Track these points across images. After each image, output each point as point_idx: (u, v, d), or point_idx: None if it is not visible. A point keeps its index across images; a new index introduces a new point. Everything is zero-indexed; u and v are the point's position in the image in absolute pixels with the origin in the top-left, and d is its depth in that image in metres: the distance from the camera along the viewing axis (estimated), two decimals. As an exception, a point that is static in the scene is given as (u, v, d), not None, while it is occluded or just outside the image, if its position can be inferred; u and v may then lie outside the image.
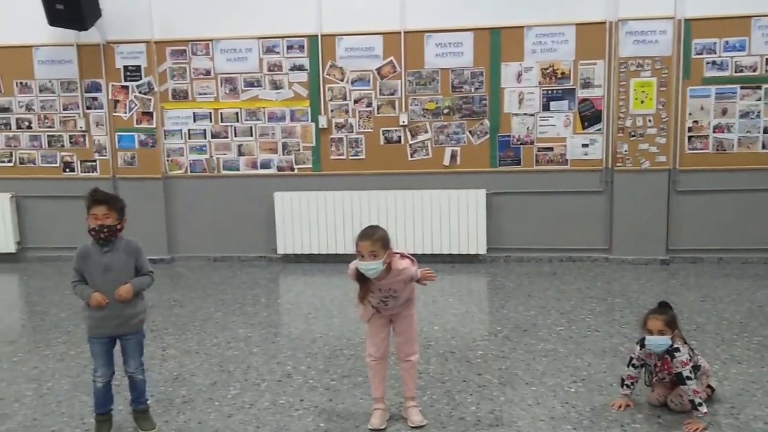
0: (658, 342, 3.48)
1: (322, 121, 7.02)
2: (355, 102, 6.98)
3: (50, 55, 7.25)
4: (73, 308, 5.79)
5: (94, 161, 7.36)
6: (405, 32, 6.78)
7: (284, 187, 7.16)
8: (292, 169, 7.18)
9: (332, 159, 7.11)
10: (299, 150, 7.15)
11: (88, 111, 7.29)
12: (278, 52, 7.00)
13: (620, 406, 3.61)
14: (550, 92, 6.72)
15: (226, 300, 5.94)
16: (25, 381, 4.22)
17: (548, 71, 6.68)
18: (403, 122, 6.91)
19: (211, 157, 7.26)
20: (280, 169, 7.20)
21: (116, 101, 7.20)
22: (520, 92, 6.75)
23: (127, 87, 7.15)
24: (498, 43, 6.69)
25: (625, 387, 3.66)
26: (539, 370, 4.17)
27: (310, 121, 7.08)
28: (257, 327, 5.21)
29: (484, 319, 5.25)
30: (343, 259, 7.03)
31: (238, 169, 7.26)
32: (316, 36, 6.91)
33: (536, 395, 3.82)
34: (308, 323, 5.26)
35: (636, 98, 6.56)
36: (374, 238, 3.20)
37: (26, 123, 7.40)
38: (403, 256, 3.36)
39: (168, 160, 7.31)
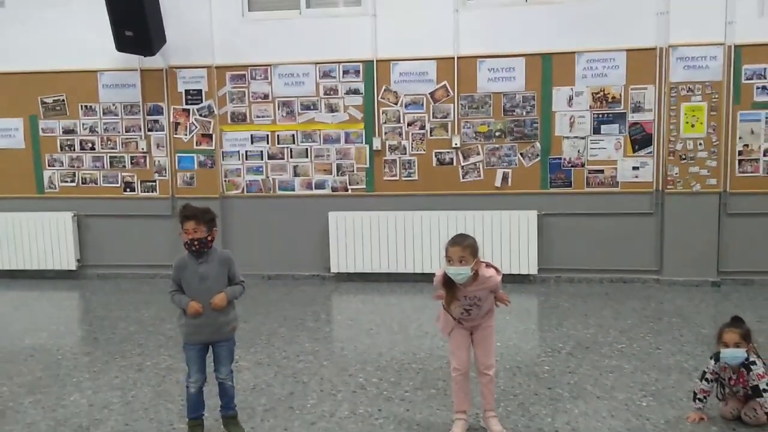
0: (734, 355, 3.56)
1: (376, 143, 7.23)
2: (409, 125, 7.18)
3: (114, 80, 7.57)
4: (141, 323, 5.99)
5: (154, 181, 7.62)
6: (458, 57, 6.99)
7: (338, 207, 7.35)
8: (346, 190, 7.38)
9: (385, 180, 7.29)
10: (353, 171, 7.35)
11: (149, 133, 7.58)
12: (334, 77, 7.25)
13: (695, 420, 3.69)
14: (600, 116, 6.86)
15: (288, 316, 6.10)
16: (109, 389, 4.40)
17: (599, 95, 6.83)
18: (456, 144, 7.09)
19: (267, 177, 7.49)
20: (334, 189, 7.40)
21: (177, 123, 7.48)
22: (571, 116, 6.90)
23: (188, 110, 7.43)
24: (550, 68, 6.86)
25: (697, 401, 3.74)
26: (608, 385, 4.26)
27: (364, 143, 7.29)
28: (322, 341, 5.36)
29: (544, 337, 5.33)
30: (395, 278, 7.26)
31: (293, 190, 7.47)
32: (372, 61, 7.15)
33: (609, 408, 3.91)
34: (372, 338, 5.39)
35: (687, 122, 6.67)
36: (464, 244, 3.35)
37: (89, 144, 7.70)
38: (488, 265, 3.49)
39: (225, 181, 7.55)
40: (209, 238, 3.54)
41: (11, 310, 6.59)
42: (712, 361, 3.71)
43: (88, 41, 7.42)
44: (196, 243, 3.49)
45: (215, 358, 3.64)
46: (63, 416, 3.98)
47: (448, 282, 3.45)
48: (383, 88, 7.18)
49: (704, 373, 3.74)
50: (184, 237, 3.51)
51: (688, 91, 6.65)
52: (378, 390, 4.28)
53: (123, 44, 6.92)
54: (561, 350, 4.95)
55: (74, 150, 7.73)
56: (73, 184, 7.77)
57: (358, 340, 5.35)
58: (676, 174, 6.75)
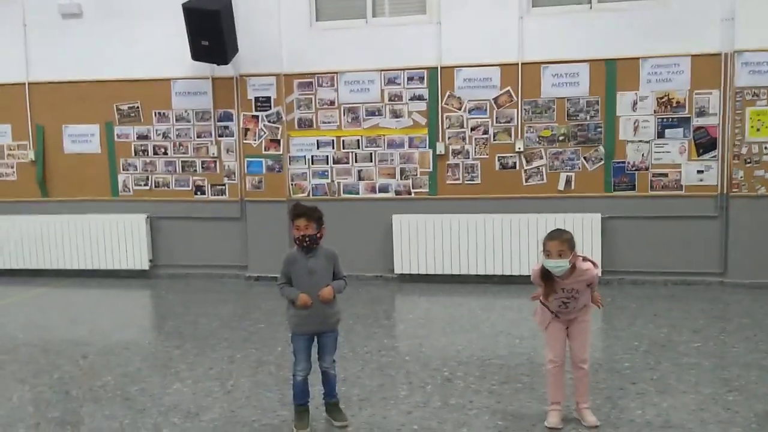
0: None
1: (440, 148, 7.41)
2: (472, 129, 7.35)
3: (187, 88, 7.89)
4: (221, 319, 6.25)
5: (224, 185, 7.91)
6: (522, 63, 7.15)
7: (401, 210, 7.54)
8: (409, 193, 7.58)
9: (448, 183, 7.47)
10: (416, 175, 7.54)
11: (219, 139, 7.88)
12: (399, 83, 7.46)
13: (784, 414, 3.79)
14: (665, 120, 6.96)
15: (360, 314, 6.29)
16: (207, 379, 4.64)
17: (663, 100, 6.93)
18: (519, 149, 7.24)
19: (333, 181, 7.72)
20: (397, 192, 7.60)
21: (246, 129, 7.76)
22: (636, 120, 7.01)
23: (257, 116, 7.71)
24: (614, 74, 6.98)
25: (785, 396, 3.84)
26: (691, 381, 4.37)
27: (427, 147, 7.48)
28: (400, 338, 5.56)
29: (618, 335, 5.44)
30: (458, 279, 7.41)
31: (357, 193, 7.69)
32: (436, 68, 7.34)
33: (697, 402, 4.02)
34: (447, 336, 5.55)
35: (752, 126, 6.74)
36: (563, 238, 3.51)
37: (162, 149, 8.02)
38: (585, 258, 3.64)
39: (292, 185, 7.79)
40: (318, 235, 3.76)
41: (95, 308, 6.91)
42: (800, 357, 3.81)
43: (162, 50, 7.77)
44: (307, 239, 3.71)
45: (320, 348, 3.84)
46: (171, 403, 4.23)
47: (546, 275, 3.61)
48: (447, 93, 7.36)
49: (792, 368, 3.84)
50: (295, 233, 3.72)
51: (753, 96, 6.71)
52: (465, 383, 4.44)
53: (198, 53, 7.21)
54: (638, 348, 5.06)
55: (148, 155, 8.06)
56: (147, 188, 8.09)
57: (434, 338, 5.52)
58: (741, 177, 6.81)
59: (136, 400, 4.29)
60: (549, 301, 3.68)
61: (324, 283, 3.75)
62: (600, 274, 3.72)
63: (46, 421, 4.01)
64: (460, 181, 7.44)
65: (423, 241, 7.45)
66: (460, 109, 7.37)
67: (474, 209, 7.37)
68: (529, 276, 3.85)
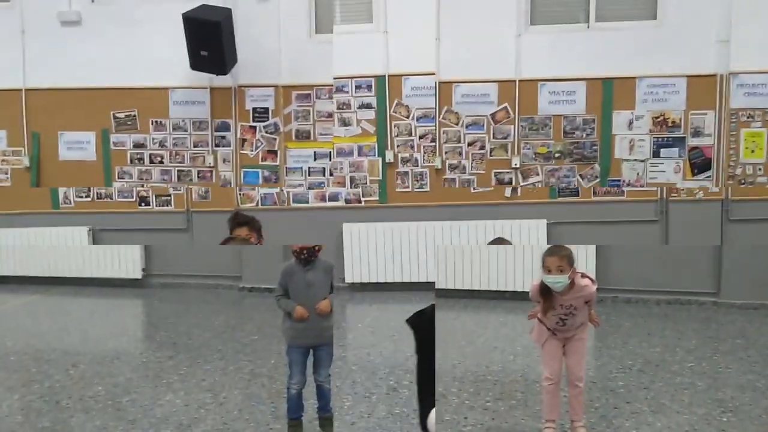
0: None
1: (388, 156, 7.45)
2: (469, 145, 7.36)
3: (185, 97, 7.86)
4: (214, 330, 6.21)
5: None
6: (520, 81, 7.20)
7: (352, 218, 7.54)
8: (360, 201, 7.60)
9: (398, 191, 7.50)
10: (366, 183, 7.57)
11: (216, 148, 7.87)
12: (347, 92, 7.50)
13: (778, 436, 3.79)
14: (660, 140, 7.01)
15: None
16: (199, 391, 4.61)
17: (659, 120, 6.99)
18: (515, 165, 7.27)
19: (281, 190, 7.71)
20: (347, 201, 7.62)
21: (244, 140, 7.76)
22: (631, 139, 7.06)
23: (254, 127, 7.72)
24: (610, 93, 7.03)
25: (780, 418, 3.84)
26: (685, 401, 4.37)
27: (376, 156, 7.51)
28: (349, 348, 5.56)
29: (613, 354, 5.43)
30: (409, 287, 7.36)
31: (307, 202, 7.70)
32: (384, 76, 7.38)
33: (691, 422, 4.02)
34: (395, 344, 5.58)
35: (746, 148, 6.80)
36: (562, 254, 3.50)
37: (158, 158, 8.00)
38: (584, 275, 3.64)
39: (240, 194, 7.78)
40: (316, 249, 3.76)
41: (86, 317, 6.87)
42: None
43: (160, 59, 7.72)
44: (305, 252, 3.71)
45: (315, 361, 3.82)
46: (162, 414, 4.19)
47: (544, 291, 3.60)
48: (444, 108, 7.38)
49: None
50: (293, 245, 3.73)
51: (748, 117, 6.78)
52: (459, 399, 4.43)
53: (198, 63, 7.19)
54: (632, 367, 5.06)
55: (143, 163, 8.04)
56: (141, 196, 8.08)
57: (382, 346, 5.56)
58: (736, 198, 6.88)
59: (127, 411, 4.25)
60: (547, 317, 3.67)
61: (321, 296, 3.74)
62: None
63: (36, 430, 3.97)
64: (410, 189, 7.44)
65: (373, 249, 7.47)
66: (408, 117, 7.40)
67: (423, 217, 7.37)
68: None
